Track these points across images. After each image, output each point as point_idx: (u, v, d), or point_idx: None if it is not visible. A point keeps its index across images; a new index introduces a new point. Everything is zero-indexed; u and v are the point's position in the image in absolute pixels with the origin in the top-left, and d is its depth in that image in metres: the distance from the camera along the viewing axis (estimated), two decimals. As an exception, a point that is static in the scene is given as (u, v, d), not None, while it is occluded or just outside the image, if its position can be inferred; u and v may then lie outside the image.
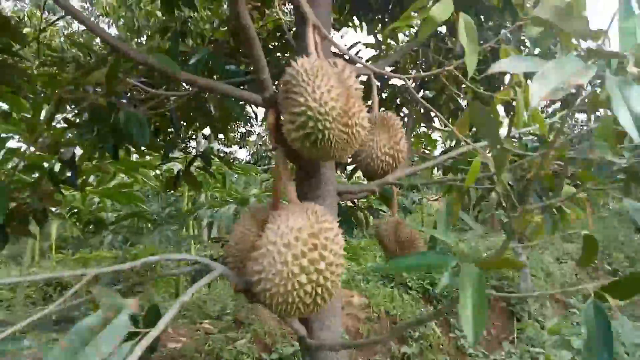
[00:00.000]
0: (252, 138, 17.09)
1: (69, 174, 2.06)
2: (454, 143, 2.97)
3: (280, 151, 1.49)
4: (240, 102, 2.14)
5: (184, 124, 2.72)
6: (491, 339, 6.46)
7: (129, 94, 2.16)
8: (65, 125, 2.10)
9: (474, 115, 0.85)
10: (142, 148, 2.43)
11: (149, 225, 6.41)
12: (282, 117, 1.34)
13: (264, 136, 17.09)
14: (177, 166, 5.09)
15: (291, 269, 1.22)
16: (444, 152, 2.80)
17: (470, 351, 5.56)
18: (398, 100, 3.01)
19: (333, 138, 1.24)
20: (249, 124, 14.38)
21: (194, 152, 3.23)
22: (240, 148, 17.39)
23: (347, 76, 1.29)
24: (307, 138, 1.25)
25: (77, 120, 2.17)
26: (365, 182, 1.98)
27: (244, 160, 16.66)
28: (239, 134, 15.74)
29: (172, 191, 2.87)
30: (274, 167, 1.51)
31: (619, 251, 10.50)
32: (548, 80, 0.64)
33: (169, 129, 2.73)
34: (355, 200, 2.89)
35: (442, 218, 1.43)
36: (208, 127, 2.84)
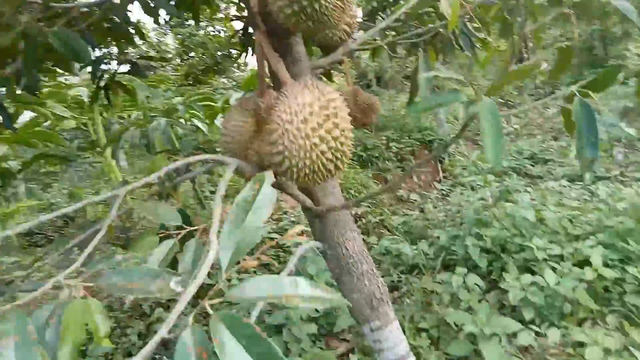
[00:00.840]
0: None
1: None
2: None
3: (261, 33, 1.50)
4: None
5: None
6: (423, 184, 7.33)
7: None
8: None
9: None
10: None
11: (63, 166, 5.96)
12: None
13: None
14: (84, 91, 4.64)
15: (313, 141, 1.34)
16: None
17: (410, 198, 6.31)
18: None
19: (329, 6, 1.28)
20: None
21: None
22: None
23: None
24: (303, 11, 1.28)
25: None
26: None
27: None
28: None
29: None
30: (257, 50, 1.53)
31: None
32: None
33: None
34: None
35: (423, 69, 1.59)
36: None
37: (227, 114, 1.66)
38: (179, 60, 17.54)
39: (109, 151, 5.42)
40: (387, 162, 7.23)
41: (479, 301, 2.72)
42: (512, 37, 2.09)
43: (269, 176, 0.71)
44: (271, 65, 1.50)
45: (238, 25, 3.80)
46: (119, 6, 2.28)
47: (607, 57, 11.42)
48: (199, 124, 4.78)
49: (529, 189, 4.78)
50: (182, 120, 4.57)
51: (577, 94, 1.11)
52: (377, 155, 7.18)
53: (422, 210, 5.80)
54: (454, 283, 2.73)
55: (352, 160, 6.90)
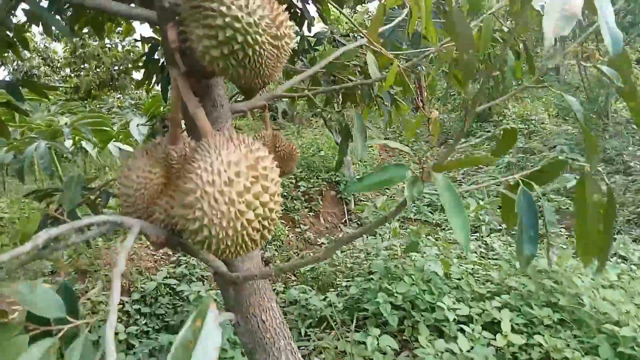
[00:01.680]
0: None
1: None
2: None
3: (178, 73, 1.28)
4: None
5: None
6: (330, 226, 7.33)
7: None
8: None
9: (450, 23, 0.87)
10: None
11: None
12: (188, 34, 1.12)
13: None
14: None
15: (238, 207, 1.14)
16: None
17: (318, 241, 6.23)
18: None
19: (265, 53, 1.11)
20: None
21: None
22: (-1, 65, 14.07)
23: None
24: (233, 56, 1.09)
25: None
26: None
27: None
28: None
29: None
30: (173, 91, 1.30)
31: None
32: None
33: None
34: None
35: (357, 128, 1.49)
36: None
37: (129, 160, 1.39)
38: (68, 70, 16.08)
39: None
40: (295, 201, 7.12)
41: (393, 365, 2.64)
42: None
43: (212, 310, 0.51)
44: (188, 110, 1.28)
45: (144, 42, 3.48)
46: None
47: (491, 113, 12.78)
48: (88, 148, 4.25)
49: (429, 237, 4.97)
50: (67, 143, 4.00)
51: (521, 183, 1.06)
52: (285, 194, 7.03)
53: (328, 255, 5.72)
54: (369, 346, 2.62)
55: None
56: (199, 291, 3.57)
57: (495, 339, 2.66)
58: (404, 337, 3.02)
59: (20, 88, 2.28)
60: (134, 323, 3.47)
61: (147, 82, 3.28)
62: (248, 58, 1.09)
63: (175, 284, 4.02)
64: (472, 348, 2.54)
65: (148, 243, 5.12)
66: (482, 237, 5.57)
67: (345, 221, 7.89)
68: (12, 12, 2.04)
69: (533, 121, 11.29)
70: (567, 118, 11.65)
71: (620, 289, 3.02)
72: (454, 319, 2.85)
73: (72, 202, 1.23)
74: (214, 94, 1.54)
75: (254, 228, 1.18)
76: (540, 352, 2.53)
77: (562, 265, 3.06)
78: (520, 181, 1.10)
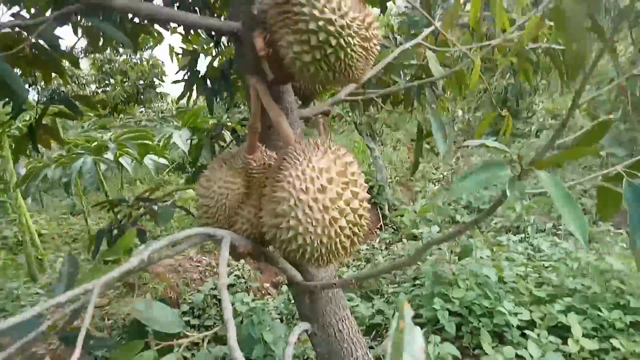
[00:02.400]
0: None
1: None
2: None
3: (258, 81, 1.29)
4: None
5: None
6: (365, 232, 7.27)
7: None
8: None
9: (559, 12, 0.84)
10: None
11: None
12: (276, 41, 1.13)
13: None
14: None
15: (331, 214, 1.13)
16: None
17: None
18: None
19: (355, 55, 1.11)
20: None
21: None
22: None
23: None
24: (325, 60, 1.09)
25: None
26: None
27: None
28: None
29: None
30: (252, 100, 1.31)
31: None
32: None
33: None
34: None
35: (436, 127, 1.47)
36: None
37: (208, 171, 1.40)
38: (94, 86, 16.52)
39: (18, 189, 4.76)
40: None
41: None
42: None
43: (408, 310, 0.50)
44: (271, 118, 1.28)
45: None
46: (48, 29, 1.94)
47: (519, 109, 12.55)
48: (125, 162, 4.34)
49: (479, 239, 4.86)
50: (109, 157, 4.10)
51: (624, 174, 1.02)
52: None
53: (368, 261, 5.68)
54: (430, 354, 2.57)
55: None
56: (248, 302, 3.58)
57: (562, 345, 2.58)
58: (463, 344, 2.95)
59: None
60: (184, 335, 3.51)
61: (188, 94, 3.34)
62: (340, 61, 1.09)
63: (220, 295, 4.05)
64: (543, 354, 2.46)
65: (191, 254, 5.19)
66: (527, 238, 5.44)
67: (381, 226, 7.83)
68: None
69: (563, 116, 11.00)
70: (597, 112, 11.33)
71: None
72: (517, 325, 2.78)
73: (168, 217, 1.27)
74: (286, 101, 1.55)
75: (346, 235, 1.18)
76: (615, 357, 2.43)
77: (630, 264, 2.94)
78: (622, 172, 1.06)
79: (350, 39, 1.06)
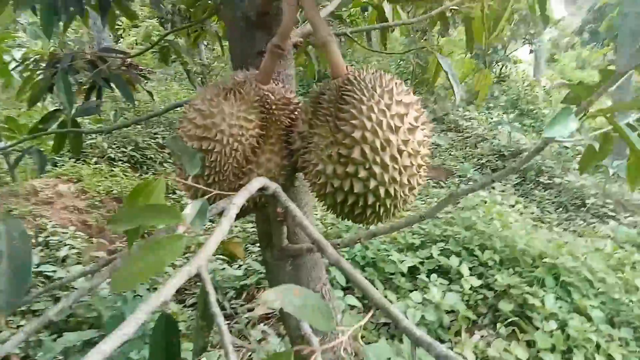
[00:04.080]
0: None
1: None
2: None
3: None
4: None
5: None
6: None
7: None
8: None
9: None
10: None
11: None
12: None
13: None
14: None
15: (418, 161, 0.98)
16: None
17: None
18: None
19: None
20: None
21: None
22: None
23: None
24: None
25: None
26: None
27: None
28: None
29: None
30: (287, 8, 1.01)
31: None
32: None
33: None
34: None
35: (448, 67, 1.38)
36: None
37: (209, 101, 1.04)
38: None
39: None
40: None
41: None
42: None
43: None
44: (317, 38, 1.01)
45: None
46: None
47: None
48: None
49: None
50: None
51: None
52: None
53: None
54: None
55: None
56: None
57: (450, 284, 2.92)
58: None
59: None
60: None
61: None
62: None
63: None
64: (443, 296, 2.72)
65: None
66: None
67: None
68: None
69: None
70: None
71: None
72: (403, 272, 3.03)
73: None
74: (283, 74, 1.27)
75: (411, 188, 1.04)
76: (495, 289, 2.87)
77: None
78: None
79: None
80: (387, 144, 0.91)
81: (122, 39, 11.40)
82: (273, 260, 1.43)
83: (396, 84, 0.99)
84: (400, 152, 0.93)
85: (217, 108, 1.03)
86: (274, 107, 1.08)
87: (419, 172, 0.98)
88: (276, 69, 1.23)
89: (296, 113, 1.12)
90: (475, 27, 1.92)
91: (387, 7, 1.82)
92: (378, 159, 0.91)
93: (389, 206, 0.98)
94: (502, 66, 13.26)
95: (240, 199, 0.71)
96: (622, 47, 7.68)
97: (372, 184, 0.92)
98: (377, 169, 0.91)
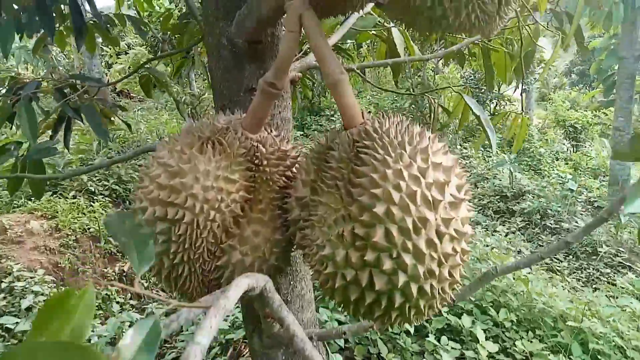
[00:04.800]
0: None
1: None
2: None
3: (309, 9, 0.78)
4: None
5: None
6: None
7: None
8: None
9: None
10: None
11: None
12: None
13: None
14: None
15: (462, 246, 0.74)
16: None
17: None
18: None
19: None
20: None
21: None
22: None
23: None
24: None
25: None
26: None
27: None
28: None
29: None
30: (285, 40, 0.78)
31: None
32: None
33: None
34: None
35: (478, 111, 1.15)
36: None
37: (180, 153, 0.79)
38: None
39: None
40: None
41: None
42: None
43: None
44: (326, 76, 0.77)
45: None
46: None
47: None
48: None
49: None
50: None
51: None
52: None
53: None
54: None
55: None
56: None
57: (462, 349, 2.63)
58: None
59: None
60: None
61: None
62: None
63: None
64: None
65: None
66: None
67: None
68: None
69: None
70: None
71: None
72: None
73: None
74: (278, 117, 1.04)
75: (455, 279, 0.78)
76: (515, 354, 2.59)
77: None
78: None
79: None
80: (423, 224, 0.66)
81: (113, 65, 11.32)
82: (262, 348, 1.16)
83: (429, 139, 0.75)
84: (440, 235, 0.68)
85: (189, 164, 0.78)
86: (265, 162, 0.84)
87: (463, 261, 0.73)
88: (269, 112, 1.00)
89: (294, 170, 0.88)
90: (498, 63, 1.72)
91: (399, 41, 1.62)
92: (410, 245, 0.66)
93: (422, 308, 0.72)
94: (496, 104, 13.29)
95: (205, 331, 0.45)
96: (620, 89, 7.75)
97: (402, 279, 0.67)
98: (408, 259, 0.66)
